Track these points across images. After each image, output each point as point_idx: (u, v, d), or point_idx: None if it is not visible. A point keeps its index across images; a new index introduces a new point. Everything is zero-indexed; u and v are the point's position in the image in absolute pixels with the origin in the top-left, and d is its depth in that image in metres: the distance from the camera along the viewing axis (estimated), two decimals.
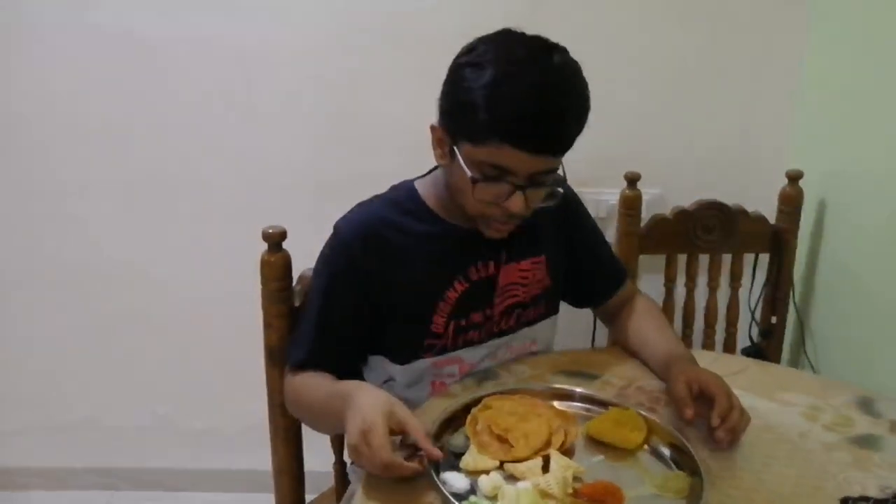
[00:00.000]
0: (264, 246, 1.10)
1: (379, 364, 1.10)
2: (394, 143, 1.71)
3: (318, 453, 1.26)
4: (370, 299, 1.04)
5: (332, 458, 1.27)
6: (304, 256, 1.15)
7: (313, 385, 1.02)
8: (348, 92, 1.71)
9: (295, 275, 1.14)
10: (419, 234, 1.05)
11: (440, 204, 1.08)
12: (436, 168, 1.11)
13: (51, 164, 1.75)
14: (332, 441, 1.25)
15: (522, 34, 0.96)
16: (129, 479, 1.99)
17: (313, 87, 1.71)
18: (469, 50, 0.97)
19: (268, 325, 1.12)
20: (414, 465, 0.83)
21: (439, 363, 1.09)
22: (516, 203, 0.96)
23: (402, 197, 1.09)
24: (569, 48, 0.98)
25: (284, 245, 1.11)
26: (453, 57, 0.92)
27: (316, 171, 1.74)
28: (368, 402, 0.86)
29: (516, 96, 0.90)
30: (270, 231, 1.09)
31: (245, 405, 1.51)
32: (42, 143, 1.74)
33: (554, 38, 0.98)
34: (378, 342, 1.08)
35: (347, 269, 1.03)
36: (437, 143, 1.02)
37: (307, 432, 1.15)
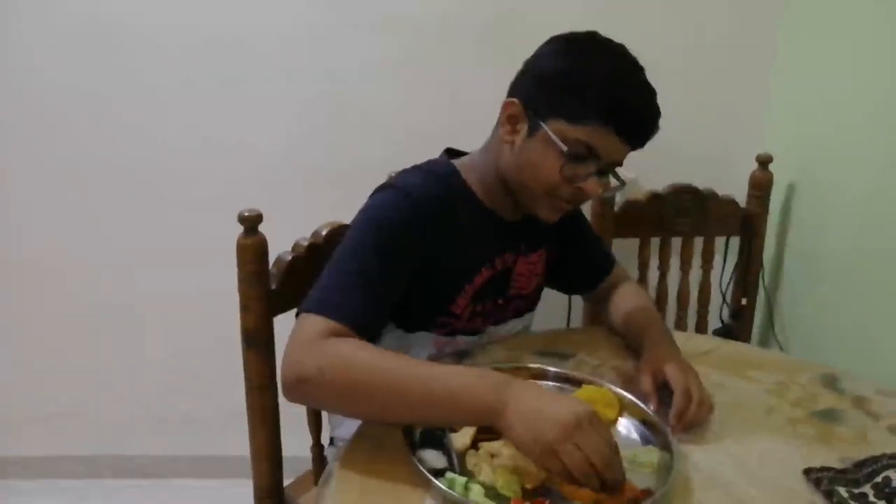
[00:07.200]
0: (240, 232, 1.10)
1: None
2: (373, 131, 1.71)
3: (294, 437, 1.27)
4: (416, 263, 0.98)
5: (308, 441, 1.27)
6: (281, 241, 1.16)
7: (401, 360, 0.84)
8: (329, 79, 1.70)
9: (271, 259, 1.14)
10: (461, 214, 1.04)
11: (481, 187, 1.08)
12: (452, 155, 1.11)
13: (31, 153, 1.73)
14: (310, 422, 1.25)
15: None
16: (110, 467, 1.98)
17: (294, 75, 1.70)
18: (571, 38, 0.99)
19: (244, 308, 1.11)
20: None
21: (440, 343, 1.09)
22: (594, 185, 0.98)
23: (447, 175, 1.06)
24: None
25: (262, 230, 1.11)
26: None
27: (295, 158, 1.74)
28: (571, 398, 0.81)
29: (630, 87, 0.96)
30: (246, 214, 1.09)
31: (224, 391, 1.51)
32: (20, 133, 1.71)
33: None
34: (395, 306, 1.00)
35: (412, 227, 0.96)
36: (509, 119, 1.00)
37: (285, 414, 1.15)
